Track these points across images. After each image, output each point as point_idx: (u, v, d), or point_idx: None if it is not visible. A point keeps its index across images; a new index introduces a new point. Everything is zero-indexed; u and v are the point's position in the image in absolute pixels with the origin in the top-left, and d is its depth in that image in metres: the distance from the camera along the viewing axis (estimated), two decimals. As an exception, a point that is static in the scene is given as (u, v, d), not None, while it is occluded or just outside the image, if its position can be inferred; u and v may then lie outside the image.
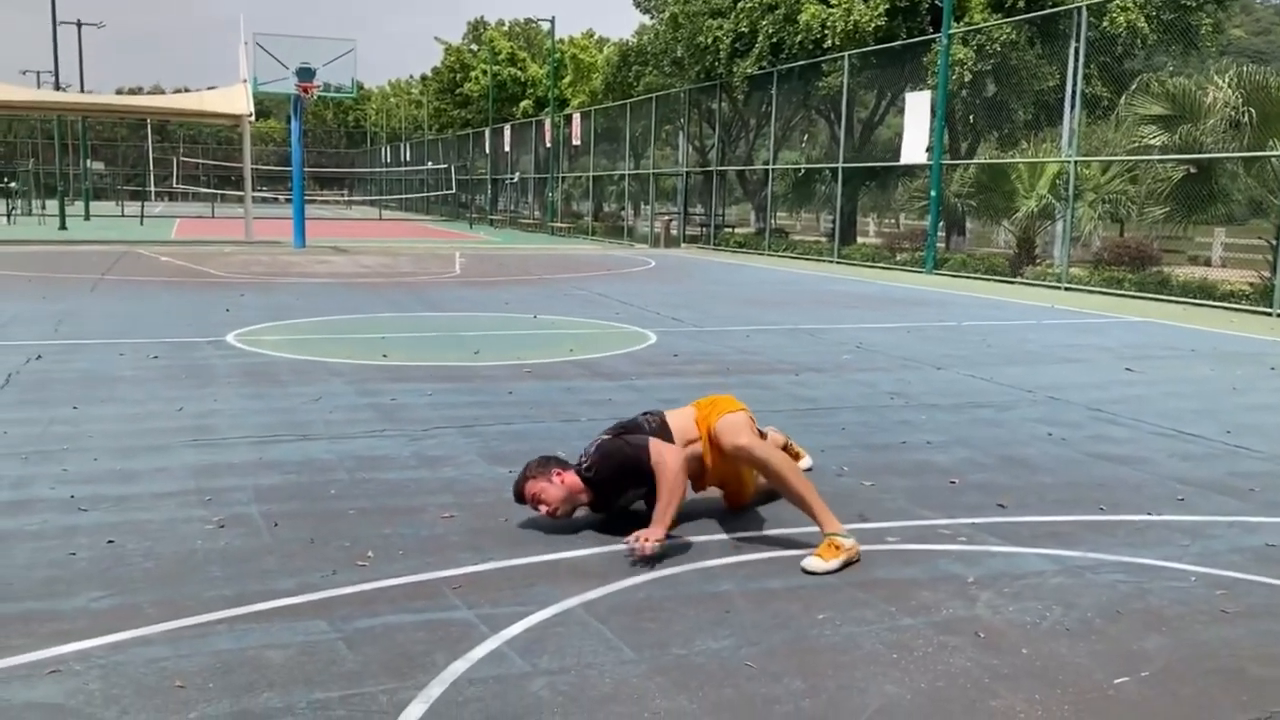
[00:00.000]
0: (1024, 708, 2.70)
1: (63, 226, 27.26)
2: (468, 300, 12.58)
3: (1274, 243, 14.51)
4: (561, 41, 40.25)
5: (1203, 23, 18.89)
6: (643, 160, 30.92)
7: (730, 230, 27.70)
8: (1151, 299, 14.61)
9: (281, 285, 13.83)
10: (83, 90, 38.12)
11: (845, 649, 3.04)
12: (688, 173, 28.93)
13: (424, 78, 61.69)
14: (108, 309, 10.77)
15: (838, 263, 21.14)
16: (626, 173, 31.47)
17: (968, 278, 17.84)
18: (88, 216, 32.76)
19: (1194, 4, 18.68)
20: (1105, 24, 17.84)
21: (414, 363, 7.84)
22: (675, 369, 7.62)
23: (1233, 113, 14.36)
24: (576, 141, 32.94)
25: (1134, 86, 16.63)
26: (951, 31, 18.47)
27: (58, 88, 39.11)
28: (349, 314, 10.84)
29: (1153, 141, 15.58)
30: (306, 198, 24.27)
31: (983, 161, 20.08)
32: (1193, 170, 14.98)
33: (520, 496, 4.00)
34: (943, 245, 20.84)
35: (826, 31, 21.08)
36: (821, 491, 4.08)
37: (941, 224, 20.40)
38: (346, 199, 67.40)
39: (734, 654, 2.99)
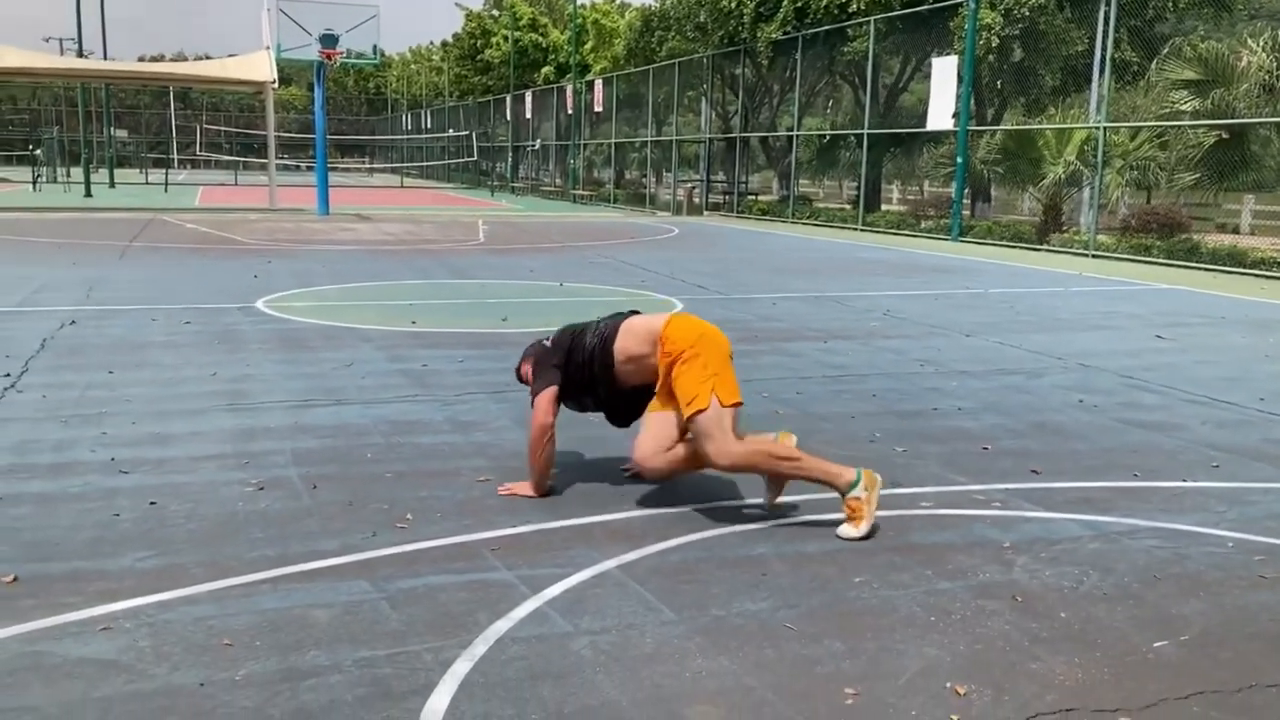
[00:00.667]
0: (1063, 670, 2.72)
1: (88, 194, 27.40)
2: (493, 268, 12.60)
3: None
4: (583, 7, 39.94)
5: (1236, -15, 18.57)
6: (665, 127, 30.75)
7: (753, 198, 27.55)
8: (1180, 266, 14.47)
9: (307, 252, 13.88)
10: (105, 58, 38.14)
11: (883, 612, 3.06)
12: (710, 139, 28.76)
13: (444, 44, 61.48)
14: (137, 275, 10.85)
15: (862, 230, 21.02)
16: (648, 139, 31.31)
17: (994, 245, 17.71)
18: (112, 184, 32.91)
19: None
20: (1136, -13, 17.57)
21: (443, 329, 7.87)
22: (703, 336, 7.60)
23: (1266, 77, 14.14)
24: (598, 108, 32.77)
25: (1165, 51, 16.38)
26: (979, -5, 18.22)
27: (80, 55, 39.19)
28: (375, 281, 10.88)
29: (1184, 107, 15.38)
30: (328, 165, 24.29)
31: (1010, 128, 19.85)
32: (1224, 136, 14.78)
33: (519, 376, 4.24)
34: (967, 212, 20.66)
35: (852, -5, 20.82)
36: (854, 458, 4.09)
37: (967, 191, 20.22)
38: (367, 166, 67.40)
39: (772, 615, 3.01)
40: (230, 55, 28.10)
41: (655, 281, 11.22)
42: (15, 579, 3.13)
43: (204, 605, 3.00)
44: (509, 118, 41.88)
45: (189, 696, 2.49)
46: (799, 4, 22.45)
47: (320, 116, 22.88)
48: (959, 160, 18.59)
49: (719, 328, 3.98)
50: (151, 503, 3.83)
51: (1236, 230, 24.38)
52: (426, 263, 12.90)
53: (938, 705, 2.52)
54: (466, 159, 44.30)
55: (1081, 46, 19.12)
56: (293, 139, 58.59)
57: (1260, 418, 5.58)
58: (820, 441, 4.87)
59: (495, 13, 51.79)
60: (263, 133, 39.41)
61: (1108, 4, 16.25)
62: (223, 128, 59.06)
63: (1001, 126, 20.31)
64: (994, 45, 18.97)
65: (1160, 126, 16.53)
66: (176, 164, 49.25)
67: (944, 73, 18.64)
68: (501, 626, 2.89)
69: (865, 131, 21.27)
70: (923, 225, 20.43)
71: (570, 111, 34.86)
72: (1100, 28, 16.66)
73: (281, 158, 50.86)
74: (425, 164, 56.04)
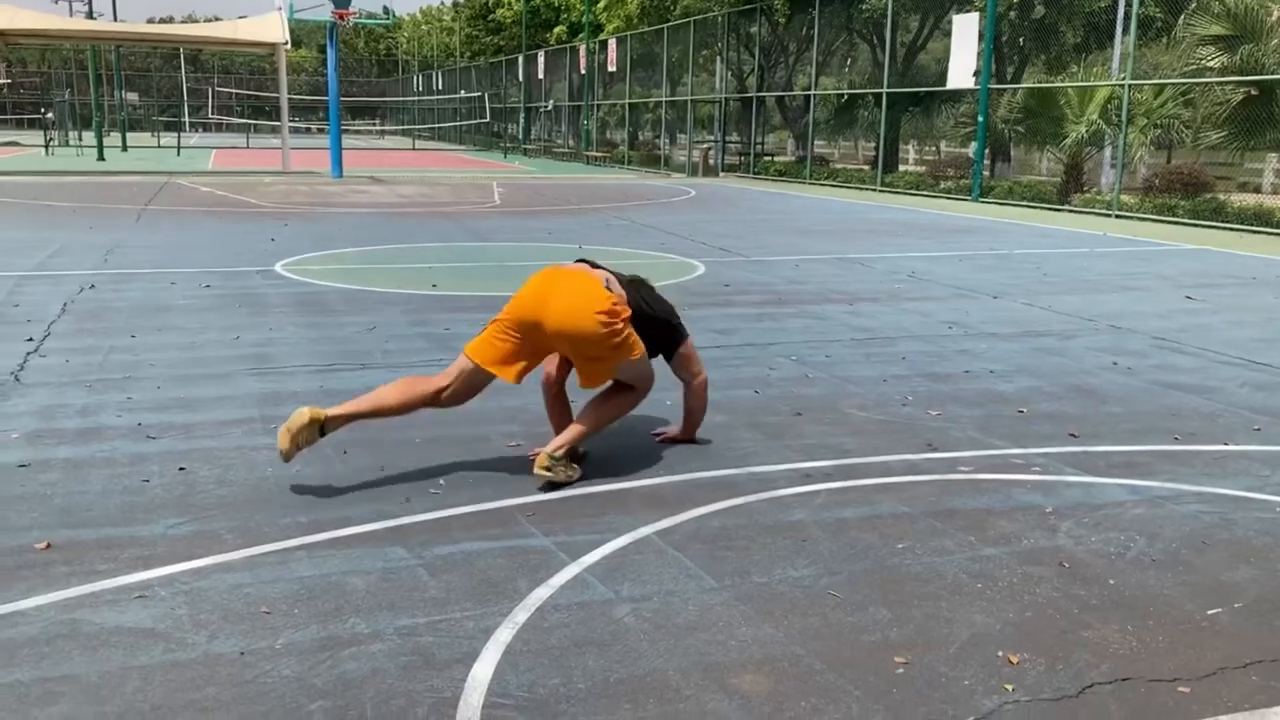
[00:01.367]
0: (1117, 639, 2.66)
1: (101, 157, 27.31)
2: (510, 230, 12.50)
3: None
4: (596, -35, 39.44)
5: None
6: (679, 87, 30.43)
7: (770, 159, 27.29)
8: (1206, 226, 14.27)
9: (323, 215, 13.80)
10: (115, 19, 37.89)
11: (928, 579, 3.01)
12: (726, 99, 28.46)
13: (456, 4, 60.94)
14: (154, 239, 10.80)
15: (881, 191, 20.81)
16: (663, 100, 30.99)
17: (1014, 205, 17.51)
18: (125, 148, 32.82)
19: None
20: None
21: (463, 292, 7.80)
22: (727, 299, 7.51)
23: (1297, 32, 13.87)
24: (612, 68, 32.44)
25: (1192, 6, 16.07)
26: (1002, -50, 17.90)
27: (90, 17, 38.98)
28: (393, 244, 10.80)
29: (1211, 63, 15.09)
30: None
31: (1033, 86, 19.57)
32: (1253, 92, 14.51)
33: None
34: (987, 173, 20.43)
35: (871, -49, 20.50)
36: (887, 422, 4.00)
37: (986, 151, 19.98)
38: (379, 129, 67.09)
39: (816, 583, 2.96)
40: (241, 17, 27.86)
41: (676, 244, 11.12)
42: (49, 545, 3.10)
43: (239, 572, 2.96)
44: (521, 78, 41.52)
45: (229, 665, 2.45)
46: (816, -40, 22.11)
47: (333, 78, 22.70)
48: (980, 120, 18.35)
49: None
50: (181, 468, 3.80)
51: (1258, 190, 24.06)
52: (444, 225, 12.81)
53: (990, 674, 2.47)
54: (479, 120, 44.01)
55: (1105, 2, 18.79)
56: (303, 101, 58.34)
57: (1298, 380, 5.48)
58: (853, 405, 4.81)
59: (507, -29, 51.26)
60: (273, 95, 39.19)
61: (1133, -42, 15.93)
62: (234, 90, 58.79)
63: (1024, 84, 20.03)
64: (1015, 1, 18.66)
65: (1187, 83, 16.24)
66: (188, 127, 49.10)
67: (965, 30, 18.35)
68: (542, 593, 2.85)
69: (884, 90, 20.99)
70: (942, 186, 20.21)
71: (583, 72, 34.54)
72: (1125, -17, 16.35)
73: (293, 120, 50.63)
74: (436, 126, 55.73)
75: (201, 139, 47.84)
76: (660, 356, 4.08)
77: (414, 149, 43.66)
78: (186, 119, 49.77)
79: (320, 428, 3.59)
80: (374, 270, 8.84)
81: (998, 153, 21.86)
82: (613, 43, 32.63)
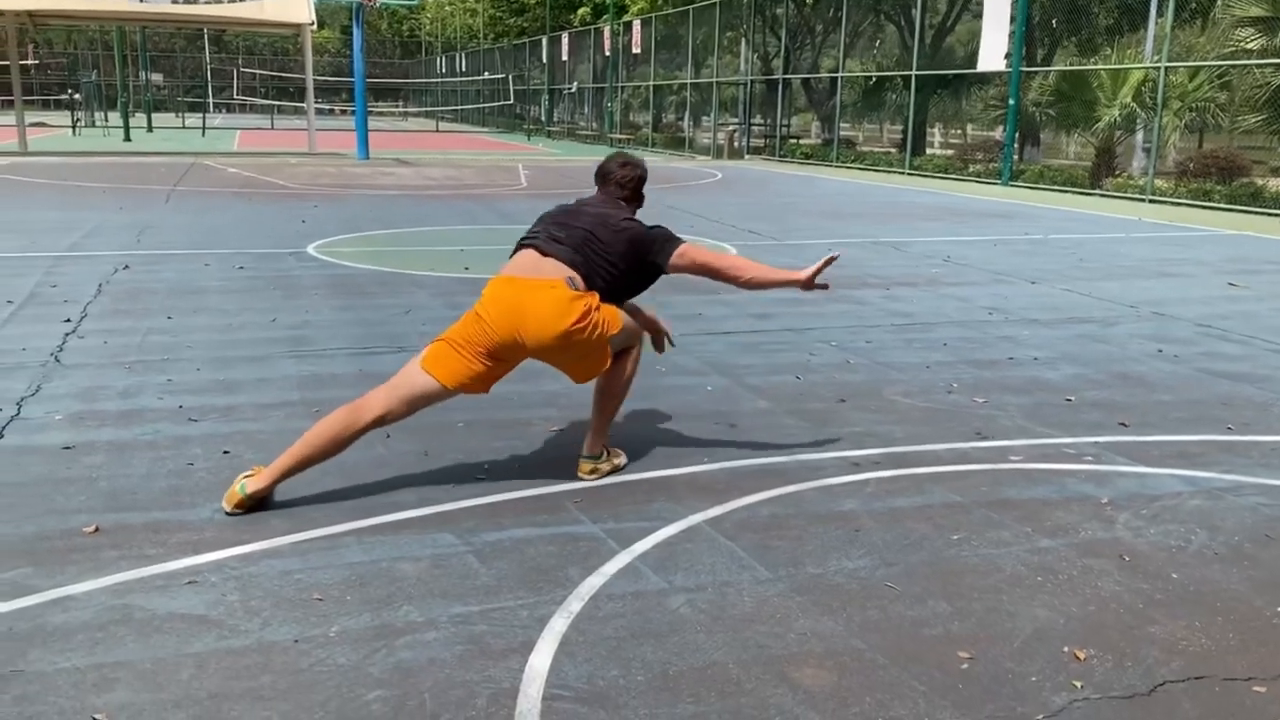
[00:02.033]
0: (1185, 635, 2.60)
1: (127, 138, 27.39)
2: (539, 213, 12.36)
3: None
4: (620, -54, 39.19)
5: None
6: (704, 69, 30.22)
7: (796, 141, 27.09)
8: (1243, 211, 14.06)
9: (351, 197, 13.78)
10: (141, 0, 37.91)
11: (986, 571, 2.95)
12: (751, 82, 28.25)
13: (479, -15, 60.61)
14: (185, 220, 10.80)
15: (909, 174, 20.61)
16: (688, 82, 30.79)
17: (1045, 189, 17.31)
18: (150, 128, 32.90)
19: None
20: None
21: (496, 275, 7.75)
22: (761, 282, 7.43)
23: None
24: (636, 50, 32.25)
25: (1231, -13, 15.80)
26: (1035, -70, 17.64)
27: (116, -2, 38.99)
28: (422, 226, 10.77)
29: (1250, 45, 14.83)
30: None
31: (1065, 69, 19.31)
32: (1293, 75, 14.28)
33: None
34: (1016, 157, 20.21)
35: (901, -69, 20.25)
36: (932, 410, 3.93)
37: (1016, 134, 19.76)
38: (402, 110, 67.05)
39: (872, 574, 2.91)
40: (266, -3, 27.78)
41: (705, 227, 11.03)
42: (97, 529, 3.09)
43: (288, 558, 2.93)
44: (545, 60, 41.37)
45: (283, 653, 2.42)
46: (845, -60, 21.86)
47: (359, 59, 22.66)
48: (1010, 102, 18.13)
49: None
50: (225, 451, 3.78)
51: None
52: (472, 207, 12.77)
53: (1058, 671, 2.42)
54: (502, 103, 43.91)
55: (1139, -17, 18.51)
56: (327, 82, 58.25)
57: (1350, 369, 5.37)
58: (897, 392, 4.74)
59: (531, -48, 50.96)
60: (298, 76, 39.17)
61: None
62: (258, 71, 58.83)
63: (1056, 67, 19.77)
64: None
65: (1226, 65, 15.97)
66: (212, 108, 49.20)
67: (996, 11, 18.11)
68: (595, 582, 2.81)
69: (913, 73, 20.77)
70: (970, 169, 20.01)
71: (607, 53, 34.35)
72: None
73: (317, 101, 50.68)
74: (460, 108, 55.63)
75: (225, 120, 47.90)
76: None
77: (438, 131, 43.61)
78: (210, 99, 49.86)
79: (260, 501, 3.27)
80: (405, 253, 8.81)
81: (1027, 136, 21.61)
82: (637, 24, 32.42)
